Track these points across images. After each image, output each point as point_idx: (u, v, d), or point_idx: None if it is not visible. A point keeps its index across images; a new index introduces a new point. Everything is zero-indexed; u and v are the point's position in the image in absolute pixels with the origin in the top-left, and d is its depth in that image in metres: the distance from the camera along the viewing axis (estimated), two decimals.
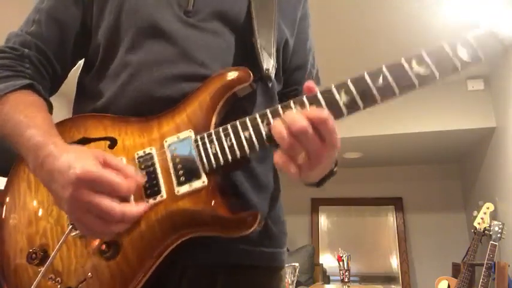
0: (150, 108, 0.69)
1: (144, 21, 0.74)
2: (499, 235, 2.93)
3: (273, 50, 0.76)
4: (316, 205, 5.10)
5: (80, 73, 0.84)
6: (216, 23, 0.76)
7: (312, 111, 0.56)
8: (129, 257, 0.61)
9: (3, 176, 0.76)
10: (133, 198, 0.61)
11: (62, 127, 0.71)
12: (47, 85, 0.78)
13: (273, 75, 0.74)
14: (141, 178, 0.62)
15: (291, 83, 0.88)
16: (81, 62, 0.85)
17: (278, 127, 0.56)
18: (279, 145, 0.56)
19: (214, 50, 0.74)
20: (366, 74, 0.58)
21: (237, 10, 0.78)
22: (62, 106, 0.83)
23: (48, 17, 0.79)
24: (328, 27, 2.80)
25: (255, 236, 0.71)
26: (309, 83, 0.60)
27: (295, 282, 3.50)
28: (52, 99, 0.80)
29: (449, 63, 0.56)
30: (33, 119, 0.65)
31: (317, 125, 0.54)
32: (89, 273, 0.62)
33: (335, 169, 0.73)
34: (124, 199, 0.59)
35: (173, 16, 0.75)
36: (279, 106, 0.60)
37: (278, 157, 0.57)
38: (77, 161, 0.56)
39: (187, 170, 0.63)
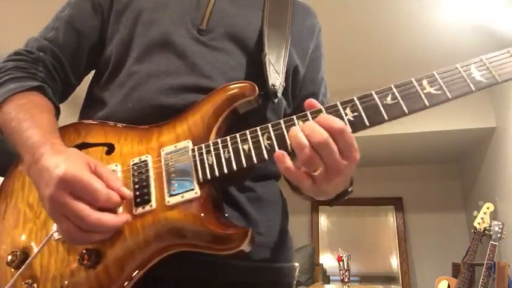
0: (153, 117, 0.69)
1: (157, 35, 0.75)
2: (499, 235, 2.93)
3: (283, 69, 0.75)
4: (316, 205, 5.09)
5: (90, 83, 0.84)
6: (227, 43, 0.77)
7: (325, 120, 0.53)
8: (109, 268, 0.58)
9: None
10: (122, 207, 0.60)
11: (64, 131, 0.71)
12: (58, 90, 0.79)
13: (279, 92, 0.73)
14: (126, 193, 0.60)
15: (301, 109, 0.87)
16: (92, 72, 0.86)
17: (299, 137, 0.53)
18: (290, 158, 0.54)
19: (222, 66, 0.74)
20: (373, 92, 0.56)
21: (249, 33, 0.79)
22: (71, 115, 0.83)
23: (67, 26, 0.80)
24: (327, 29, 2.80)
25: (257, 252, 0.68)
26: (310, 100, 0.59)
27: (295, 282, 3.50)
28: (61, 107, 0.80)
29: (463, 84, 0.54)
30: (36, 120, 0.65)
31: (334, 136, 0.52)
32: (66, 282, 0.59)
33: (350, 189, 0.68)
34: (110, 209, 0.58)
35: (186, 32, 0.76)
36: (282, 121, 0.59)
37: (286, 166, 0.53)
38: (65, 162, 0.56)
39: (181, 180, 0.61)
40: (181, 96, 0.70)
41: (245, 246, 0.56)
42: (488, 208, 3.23)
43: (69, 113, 0.85)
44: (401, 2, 2.60)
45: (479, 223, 3.15)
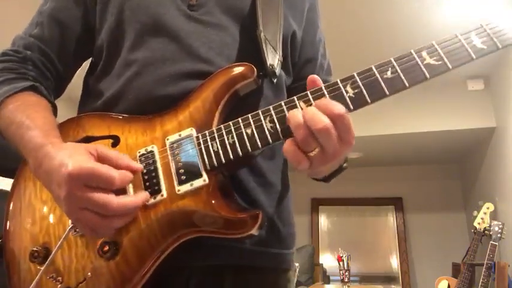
0: (153, 107, 0.68)
1: (147, 17, 0.74)
2: (499, 235, 2.94)
3: (279, 43, 0.74)
4: (316, 205, 5.10)
5: (85, 74, 0.84)
6: (220, 16, 0.75)
7: (325, 105, 0.53)
8: (128, 258, 0.61)
9: (7, 177, 0.76)
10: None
11: (67, 126, 0.71)
12: (51, 86, 0.79)
13: (277, 71, 0.72)
14: (136, 166, 0.61)
15: (301, 77, 0.85)
16: (86, 65, 0.85)
17: (296, 117, 0.53)
18: (289, 138, 0.55)
19: (218, 46, 0.73)
20: (373, 66, 0.56)
21: (241, 2, 0.77)
22: (65, 109, 0.83)
23: (50, 19, 0.79)
24: (328, 30, 2.80)
25: (263, 237, 0.70)
26: (312, 76, 0.59)
27: (295, 282, 3.51)
28: (58, 104, 0.80)
29: (464, 54, 0.54)
30: (34, 120, 0.65)
31: (334, 121, 0.52)
32: (89, 273, 0.61)
33: (344, 165, 0.71)
34: (123, 192, 0.59)
35: (176, 10, 0.74)
36: (283, 103, 0.59)
37: (289, 146, 0.54)
38: (69, 158, 0.56)
39: (188, 169, 0.62)
40: (180, 84, 0.69)
41: (255, 230, 0.57)
42: (488, 208, 3.23)
43: (68, 112, 0.85)
44: (402, 2, 2.60)
45: (479, 223, 3.16)
